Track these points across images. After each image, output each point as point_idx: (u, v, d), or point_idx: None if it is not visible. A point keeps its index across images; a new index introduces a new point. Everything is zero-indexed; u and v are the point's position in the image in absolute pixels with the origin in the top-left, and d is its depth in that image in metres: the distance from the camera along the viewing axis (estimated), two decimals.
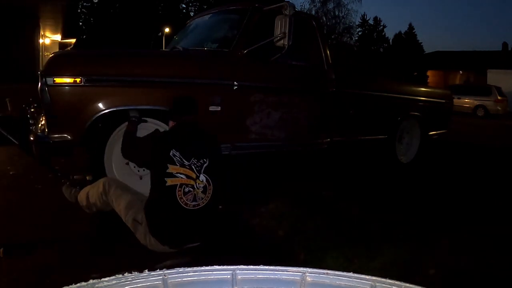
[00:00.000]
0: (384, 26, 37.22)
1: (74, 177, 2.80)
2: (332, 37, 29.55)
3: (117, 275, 0.62)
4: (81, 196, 2.40)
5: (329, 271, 0.65)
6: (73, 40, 16.55)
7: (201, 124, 2.88)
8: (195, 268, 0.65)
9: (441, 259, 2.15)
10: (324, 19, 29.65)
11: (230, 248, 2.13)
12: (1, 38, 9.45)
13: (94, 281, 0.60)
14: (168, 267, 0.65)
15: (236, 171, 3.76)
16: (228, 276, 0.65)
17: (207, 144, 2.22)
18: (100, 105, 2.56)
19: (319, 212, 2.82)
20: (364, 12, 50.74)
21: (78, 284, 0.58)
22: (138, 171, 2.75)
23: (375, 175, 4.29)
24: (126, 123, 2.59)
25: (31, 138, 2.64)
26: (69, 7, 11.78)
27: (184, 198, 2.00)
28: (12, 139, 3.66)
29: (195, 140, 2.18)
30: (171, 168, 2.00)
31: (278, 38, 3.00)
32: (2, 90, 5.25)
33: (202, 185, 2.05)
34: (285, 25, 2.98)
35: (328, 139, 3.77)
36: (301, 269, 0.66)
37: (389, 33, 66.46)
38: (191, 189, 2.02)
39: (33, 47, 11.09)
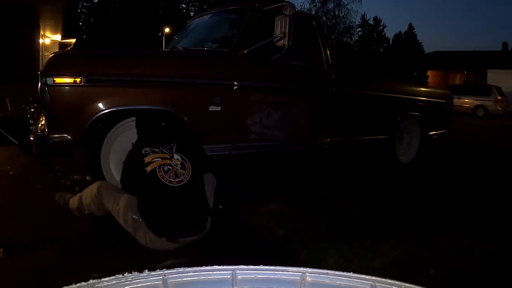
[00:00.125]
0: (384, 26, 37.32)
1: (74, 177, 2.81)
2: (332, 37, 29.56)
3: (117, 275, 0.62)
4: (74, 200, 2.38)
5: (329, 271, 0.65)
6: (73, 40, 16.56)
7: (201, 124, 2.90)
8: (195, 268, 0.65)
9: (441, 259, 2.15)
10: (324, 19, 29.67)
11: (230, 248, 2.13)
12: (1, 38, 9.45)
13: (94, 281, 0.60)
14: (168, 267, 0.65)
15: (236, 171, 3.76)
16: (228, 276, 0.65)
17: (171, 135, 2.37)
18: (100, 105, 2.56)
19: (319, 212, 2.82)
20: (364, 12, 50.84)
21: (78, 284, 0.58)
22: None
23: (375, 175, 4.29)
24: (120, 123, 2.64)
25: (31, 138, 2.64)
26: (69, 7, 11.79)
27: (166, 177, 2.10)
28: (12, 139, 3.66)
29: (159, 134, 2.34)
30: (147, 159, 2.16)
31: (278, 38, 3.00)
32: (2, 90, 5.25)
33: (179, 162, 2.19)
34: (285, 25, 2.98)
35: (328, 139, 3.77)
36: (301, 269, 0.66)
37: (389, 33, 66.53)
38: (170, 167, 2.14)
39: (33, 47, 11.10)
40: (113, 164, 2.72)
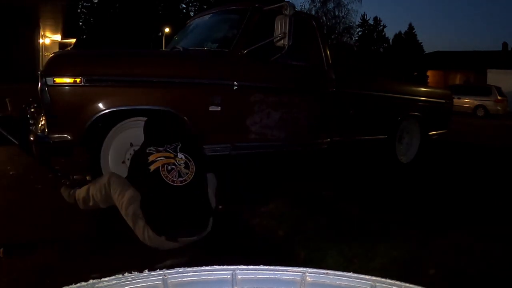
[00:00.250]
0: (384, 26, 37.33)
1: (74, 177, 2.80)
2: (332, 37, 29.56)
3: (117, 275, 0.62)
4: (81, 190, 2.42)
5: (329, 271, 0.65)
6: (73, 40, 16.57)
7: (201, 124, 2.90)
8: (195, 268, 0.65)
9: (441, 259, 2.15)
10: (324, 19, 29.67)
11: (230, 248, 2.13)
12: (1, 38, 9.45)
13: (94, 281, 0.60)
14: (168, 267, 0.65)
15: (236, 171, 3.76)
16: (228, 276, 0.65)
17: (175, 134, 2.38)
18: (100, 105, 2.56)
19: (319, 212, 2.82)
20: (364, 12, 50.88)
21: (78, 284, 0.58)
22: None
23: (375, 175, 4.29)
24: (120, 123, 2.65)
25: (31, 138, 2.64)
26: (69, 7, 11.79)
27: (169, 176, 2.10)
28: (12, 139, 3.66)
29: (163, 135, 2.35)
30: (151, 158, 2.15)
31: (278, 38, 3.00)
32: (2, 90, 5.25)
33: (182, 162, 2.19)
34: (285, 25, 2.98)
35: (328, 139, 3.77)
36: (301, 269, 0.66)
37: (389, 33, 66.55)
38: (173, 167, 2.14)
39: (33, 47, 11.09)
40: (112, 163, 2.72)
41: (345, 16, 31.15)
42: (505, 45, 31.54)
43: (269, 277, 0.65)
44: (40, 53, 12.00)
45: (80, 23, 32.88)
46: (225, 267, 0.66)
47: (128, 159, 2.77)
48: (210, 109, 2.93)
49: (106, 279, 0.61)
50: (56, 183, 3.00)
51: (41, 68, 3.26)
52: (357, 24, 34.35)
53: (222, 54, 3.14)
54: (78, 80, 2.48)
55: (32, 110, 3.04)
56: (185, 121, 2.81)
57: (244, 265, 0.66)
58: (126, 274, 0.62)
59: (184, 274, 0.64)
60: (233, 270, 0.65)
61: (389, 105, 4.44)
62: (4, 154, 4.12)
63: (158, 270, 0.64)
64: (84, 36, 31.36)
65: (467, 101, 16.48)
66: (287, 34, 2.97)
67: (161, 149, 2.21)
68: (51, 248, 2.04)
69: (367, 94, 4.20)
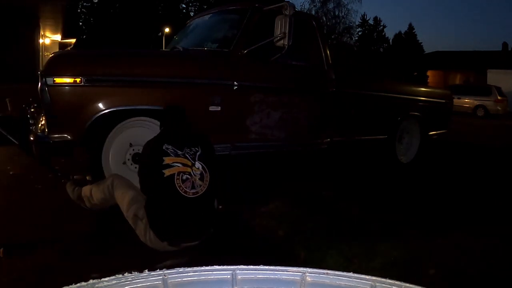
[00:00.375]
0: (384, 26, 37.29)
1: (74, 177, 2.80)
2: (332, 37, 29.55)
3: (117, 275, 0.62)
4: (86, 188, 2.43)
5: (329, 271, 0.65)
6: (73, 40, 16.57)
7: (201, 124, 2.89)
8: (195, 268, 0.65)
9: (441, 259, 2.15)
10: (324, 19, 29.64)
11: (230, 248, 2.13)
12: (1, 38, 9.45)
13: (94, 281, 0.60)
14: (168, 267, 0.65)
15: (236, 171, 3.76)
16: (228, 276, 0.65)
17: (196, 136, 2.27)
18: (100, 105, 2.56)
19: (319, 212, 2.82)
20: (364, 12, 50.85)
21: (78, 284, 0.58)
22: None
23: (375, 175, 4.29)
24: (122, 123, 2.62)
25: (31, 138, 2.64)
26: (69, 7, 11.81)
27: (183, 186, 2.02)
28: (12, 139, 3.66)
29: (184, 134, 2.25)
30: (167, 160, 2.06)
31: (278, 38, 3.00)
32: (2, 90, 5.25)
33: (198, 172, 2.10)
34: (285, 25, 2.98)
35: (328, 139, 3.77)
36: (301, 269, 0.66)
37: (389, 33, 66.50)
38: (189, 177, 2.06)
39: (33, 47, 11.10)
40: (113, 164, 2.72)
41: (345, 16, 31.15)
42: (505, 45, 31.54)
43: (269, 277, 0.65)
44: (40, 53, 12.01)
45: (80, 23, 32.88)
46: (225, 267, 0.66)
47: (128, 159, 2.77)
48: (210, 109, 2.93)
49: (106, 279, 0.61)
50: (56, 183, 3.00)
51: (41, 68, 3.26)
52: (357, 24, 34.35)
53: (222, 54, 3.14)
54: (78, 80, 2.48)
55: (32, 110, 3.04)
56: None
57: (244, 265, 0.66)
58: (126, 274, 0.62)
59: (184, 274, 0.64)
60: (233, 270, 0.65)
61: (389, 105, 4.44)
62: (4, 154, 4.12)
63: (158, 270, 0.64)
64: (84, 36, 31.36)
65: (467, 101, 16.48)
66: (287, 34, 2.97)
67: (180, 152, 2.10)
68: (51, 248, 2.04)
69: (367, 94, 4.20)
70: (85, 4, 33.42)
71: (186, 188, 2.03)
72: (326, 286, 0.64)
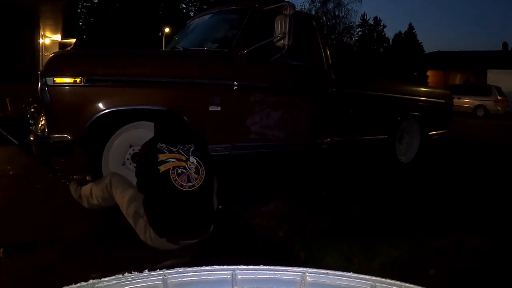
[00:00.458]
0: (384, 26, 37.30)
1: (74, 177, 2.80)
2: (332, 37, 29.54)
3: (117, 275, 0.62)
4: (87, 187, 2.45)
5: (329, 271, 0.65)
6: (73, 40, 16.55)
7: (201, 124, 2.89)
8: (195, 268, 0.65)
9: (441, 259, 2.15)
10: (324, 19, 29.64)
11: (230, 248, 2.13)
12: (1, 38, 9.45)
13: (94, 281, 0.60)
14: (168, 267, 0.65)
15: (236, 171, 3.76)
16: (228, 276, 0.65)
17: (189, 135, 2.34)
18: (100, 105, 2.56)
19: (319, 212, 2.82)
20: (364, 12, 50.79)
21: (78, 284, 0.58)
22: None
23: (375, 175, 4.29)
24: (125, 126, 2.66)
25: (31, 138, 2.64)
26: (69, 7, 11.78)
27: (178, 180, 2.06)
28: (12, 139, 3.66)
29: (177, 133, 2.29)
30: (161, 156, 2.11)
31: (278, 38, 3.00)
32: (2, 90, 5.25)
33: (193, 166, 2.14)
34: (285, 25, 2.98)
35: (328, 139, 3.77)
36: (301, 269, 0.66)
37: (389, 33, 66.45)
38: (184, 170, 2.10)
39: (33, 47, 11.09)
40: (112, 164, 2.72)
41: (345, 16, 31.14)
42: (505, 45, 31.53)
43: (269, 277, 0.65)
44: (40, 53, 12.00)
45: (80, 23, 32.86)
46: (225, 267, 0.66)
47: (127, 159, 2.77)
48: (210, 109, 2.93)
49: (106, 279, 0.61)
50: (56, 183, 3.00)
51: (41, 68, 3.26)
52: (357, 24, 34.35)
53: (222, 54, 3.14)
54: (78, 80, 2.48)
55: (32, 110, 3.04)
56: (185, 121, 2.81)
57: (244, 265, 0.66)
58: (126, 274, 0.62)
59: (184, 274, 0.64)
60: (233, 270, 0.65)
61: (389, 105, 4.44)
62: (4, 154, 4.12)
63: (158, 270, 0.64)
64: (84, 36, 31.35)
65: (467, 101, 16.48)
66: (287, 34, 2.97)
67: (173, 149, 2.16)
68: (51, 248, 2.04)
69: (367, 94, 4.19)
70: (85, 4, 33.43)
71: (182, 181, 2.06)
72: (326, 286, 0.64)
